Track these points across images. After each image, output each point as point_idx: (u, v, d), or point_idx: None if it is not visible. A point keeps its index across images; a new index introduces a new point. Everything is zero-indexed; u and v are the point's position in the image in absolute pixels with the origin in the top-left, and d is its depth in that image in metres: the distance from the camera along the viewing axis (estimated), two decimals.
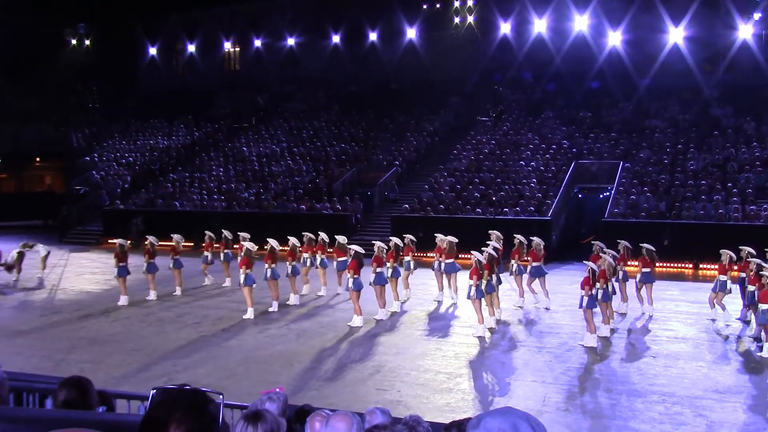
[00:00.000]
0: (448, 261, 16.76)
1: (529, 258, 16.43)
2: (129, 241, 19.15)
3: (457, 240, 16.98)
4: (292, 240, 17.12)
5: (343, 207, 26.10)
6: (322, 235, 17.88)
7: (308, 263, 17.76)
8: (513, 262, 16.35)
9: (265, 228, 19.15)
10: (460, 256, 17.15)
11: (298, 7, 39.22)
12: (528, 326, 14.54)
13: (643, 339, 13.43)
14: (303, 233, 17.72)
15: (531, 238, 16.87)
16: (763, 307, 11.96)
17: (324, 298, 17.43)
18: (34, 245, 20.88)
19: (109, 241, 28.10)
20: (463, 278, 16.47)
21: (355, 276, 14.53)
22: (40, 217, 33.21)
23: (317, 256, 17.70)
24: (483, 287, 13.83)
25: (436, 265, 16.99)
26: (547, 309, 15.92)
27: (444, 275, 16.95)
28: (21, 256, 20.26)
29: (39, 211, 33.58)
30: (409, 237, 17.25)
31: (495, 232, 17.04)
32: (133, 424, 2.15)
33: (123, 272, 17.01)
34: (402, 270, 16.66)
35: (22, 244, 20.86)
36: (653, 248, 15.62)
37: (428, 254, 17.85)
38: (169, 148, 35.33)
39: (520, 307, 15.99)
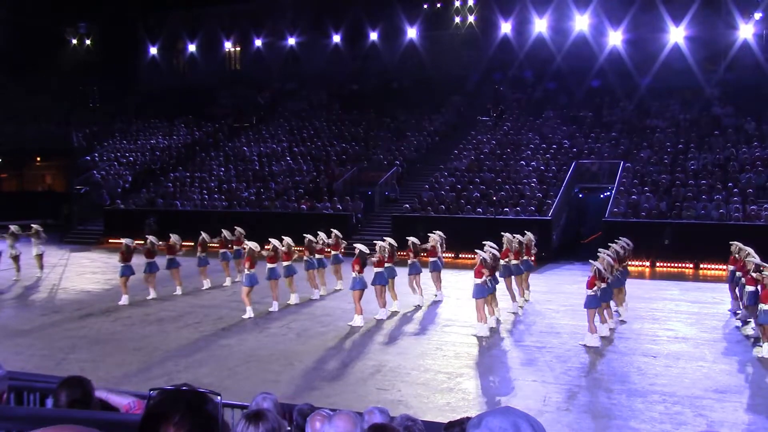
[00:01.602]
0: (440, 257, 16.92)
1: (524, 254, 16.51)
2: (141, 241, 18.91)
3: (444, 236, 17.11)
4: (287, 240, 17.05)
5: (343, 206, 26.11)
6: (321, 235, 17.90)
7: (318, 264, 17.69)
8: (514, 262, 16.35)
9: (266, 227, 19.17)
10: (461, 255, 17.17)
11: (299, 6, 39.27)
12: (528, 326, 14.54)
13: (643, 339, 13.43)
14: (305, 235, 17.72)
15: (524, 232, 16.91)
16: (764, 307, 11.97)
17: (324, 297, 17.42)
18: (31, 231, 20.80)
19: (110, 240, 28.17)
20: (455, 277, 16.58)
21: (359, 275, 14.55)
22: (40, 217, 33.20)
23: (314, 257, 17.66)
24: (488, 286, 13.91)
25: (431, 265, 17.02)
26: (527, 301, 16.33)
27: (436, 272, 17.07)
28: (17, 258, 20.29)
29: (40, 211, 33.58)
30: (411, 240, 17.20)
31: (507, 234, 16.87)
32: (132, 424, 2.16)
33: (127, 272, 17.05)
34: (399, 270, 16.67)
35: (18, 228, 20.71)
36: (629, 245, 15.75)
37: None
38: (170, 148, 35.35)
39: (520, 306, 15.97)
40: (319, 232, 18.04)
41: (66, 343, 13.35)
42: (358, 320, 14.51)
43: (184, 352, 12.67)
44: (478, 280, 13.76)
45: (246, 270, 15.49)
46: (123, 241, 17.76)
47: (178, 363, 12.00)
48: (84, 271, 21.97)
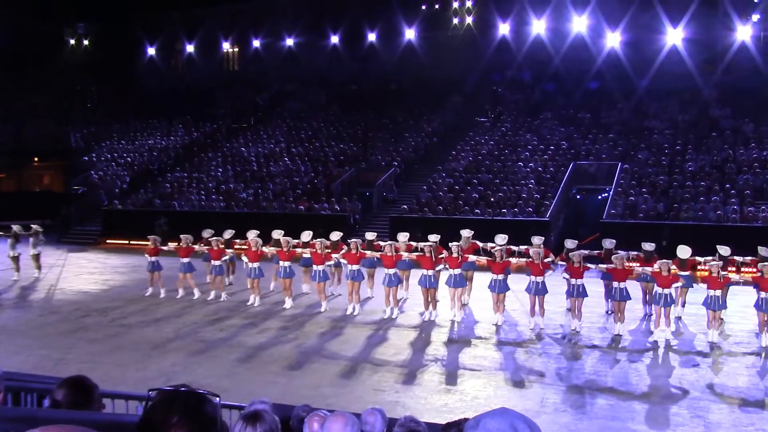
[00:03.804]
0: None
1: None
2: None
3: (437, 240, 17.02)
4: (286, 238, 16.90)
5: (341, 207, 26.10)
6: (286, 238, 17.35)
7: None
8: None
9: (264, 228, 19.07)
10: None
11: (298, 6, 39.27)
12: (526, 327, 14.54)
13: (641, 340, 13.45)
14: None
15: (532, 238, 16.85)
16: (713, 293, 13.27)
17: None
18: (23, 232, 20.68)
19: (108, 241, 28.14)
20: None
21: (456, 272, 14.81)
22: (38, 217, 33.12)
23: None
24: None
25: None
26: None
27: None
28: (17, 259, 20.25)
29: (38, 211, 33.51)
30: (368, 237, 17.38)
31: (502, 235, 16.86)
32: (131, 425, 2.16)
33: (187, 269, 17.29)
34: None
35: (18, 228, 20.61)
36: (651, 249, 15.61)
37: None
38: (168, 148, 35.34)
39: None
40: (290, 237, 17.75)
41: (64, 344, 13.34)
42: (457, 315, 14.93)
43: (182, 353, 12.66)
44: (540, 278, 14.31)
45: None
46: (183, 236, 17.63)
47: (176, 363, 12.00)
48: (81, 272, 21.95)
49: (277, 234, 17.46)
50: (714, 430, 9.01)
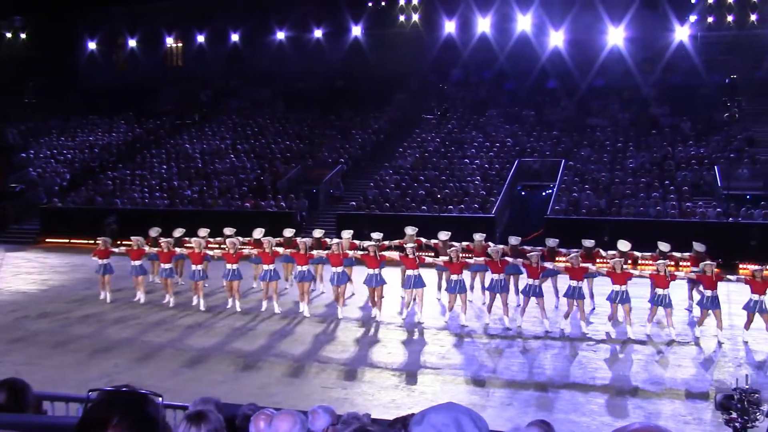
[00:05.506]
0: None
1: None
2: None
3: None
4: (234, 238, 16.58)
5: (288, 204, 25.93)
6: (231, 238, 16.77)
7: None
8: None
9: (209, 226, 18.79)
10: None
11: (243, 2, 38.82)
12: (472, 322, 14.67)
13: (583, 333, 13.69)
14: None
15: (474, 234, 16.93)
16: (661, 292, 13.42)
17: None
18: None
19: (47, 240, 27.39)
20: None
21: (413, 272, 14.75)
22: None
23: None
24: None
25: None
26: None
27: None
28: None
29: None
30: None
31: (445, 231, 16.96)
32: (70, 427, 2.11)
33: (139, 272, 16.59)
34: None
35: None
36: (591, 245, 15.88)
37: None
38: (110, 145, 34.57)
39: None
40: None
41: (0, 346, 12.95)
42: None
43: (124, 354, 12.42)
44: (499, 276, 14.40)
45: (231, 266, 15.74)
46: (133, 238, 16.89)
47: (118, 364, 11.77)
48: (19, 272, 21.31)
49: (228, 231, 17.16)
50: (655, 420, 9.24)
